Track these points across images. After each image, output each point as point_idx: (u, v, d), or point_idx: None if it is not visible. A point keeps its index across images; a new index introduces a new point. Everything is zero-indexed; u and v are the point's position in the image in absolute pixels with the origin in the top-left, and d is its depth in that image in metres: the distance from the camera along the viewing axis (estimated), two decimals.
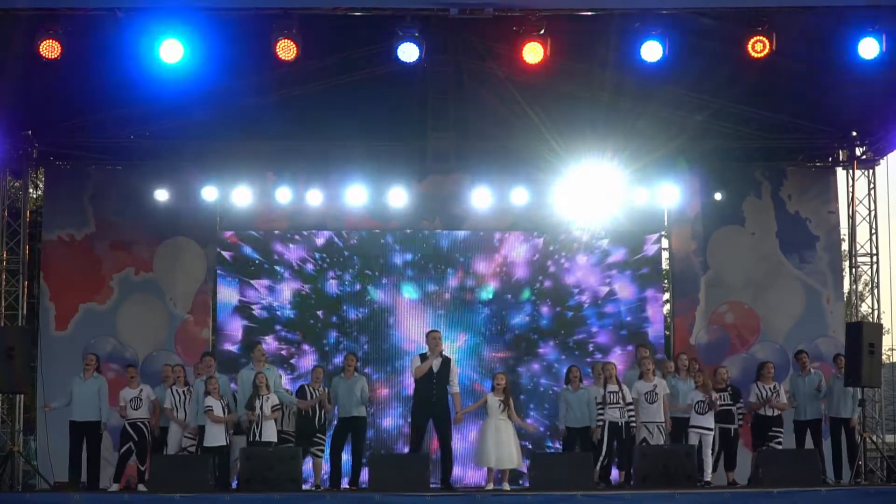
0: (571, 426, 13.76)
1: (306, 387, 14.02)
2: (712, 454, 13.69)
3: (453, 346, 16.19)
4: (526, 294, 16.81)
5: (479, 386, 16.12)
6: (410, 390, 14.98)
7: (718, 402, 13.73)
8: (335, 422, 14.13)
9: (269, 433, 13.13)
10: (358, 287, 16.71)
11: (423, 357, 13.46)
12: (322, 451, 13.95)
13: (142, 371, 15.28)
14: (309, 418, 13.79)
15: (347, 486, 13.93)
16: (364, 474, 13.69)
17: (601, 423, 13.42)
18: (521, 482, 13.59)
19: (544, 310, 16.76)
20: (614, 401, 13.37)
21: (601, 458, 13.28)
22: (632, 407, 13.45)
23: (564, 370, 14.57)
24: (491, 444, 12.97)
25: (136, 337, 16.31)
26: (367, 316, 16.67)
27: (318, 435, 13.83)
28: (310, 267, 16.71)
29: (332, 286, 16.70)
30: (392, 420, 16.42)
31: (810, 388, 14.49)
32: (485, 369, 16.36)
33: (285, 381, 15.21)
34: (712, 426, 13.55)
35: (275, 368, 14.22)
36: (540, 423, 16.29)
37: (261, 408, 13.09)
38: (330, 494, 12.97)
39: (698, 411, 13.51)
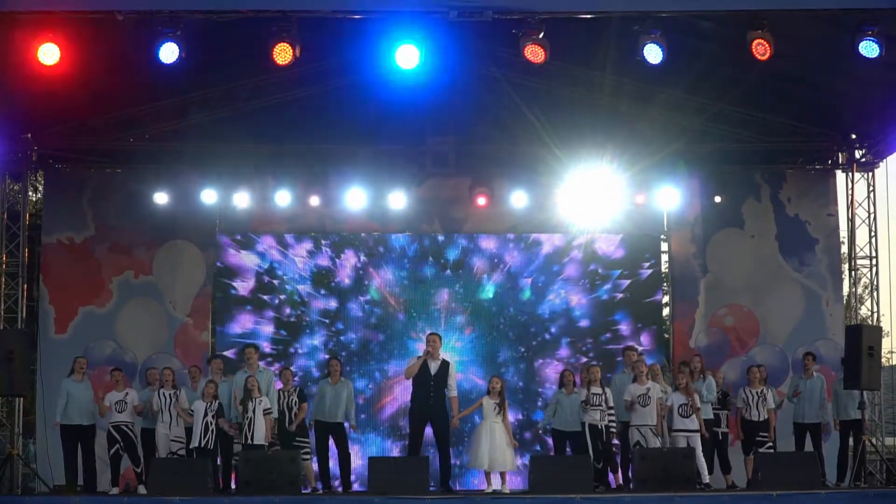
0: (561, 429, 13.71)
1: (280, 391, 13.85)
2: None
3: (452, 346, 16.18)
4: (527, 295, 16.79)
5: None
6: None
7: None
8: (309, 423, 13.90)
9: (260, 436, 13.08)
10: (357, 290, 16.68)
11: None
12: (308, 453, 13.81)
13: (140, 374, 15.29)
14: (280, 423, 13.60)
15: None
16: (361, 476, 13.68)
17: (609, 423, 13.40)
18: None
19: (545, 313, 16.72)
20: (596, 403, 13.35)
21: (591, 462, 13.24)
22: (612, 411, 13.43)
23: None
24: (485, 447, 12.97)
25: (136, 340, 16.28)
26: (366, 318, 16.65)
27: (297, 438, 13.62)
28: (309, 270, 16.70)
29: (332, 289, 16.68)
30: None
31: (812, 391, 14.48)
32: (483, 371, 16.32)
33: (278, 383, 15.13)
34: (696, 427, 13.48)
35: (270, 372, 14.17)
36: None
37: (253, 411, 13.08)
38: (329, 497, 12.95)
39: (682, 414, 13.47)
